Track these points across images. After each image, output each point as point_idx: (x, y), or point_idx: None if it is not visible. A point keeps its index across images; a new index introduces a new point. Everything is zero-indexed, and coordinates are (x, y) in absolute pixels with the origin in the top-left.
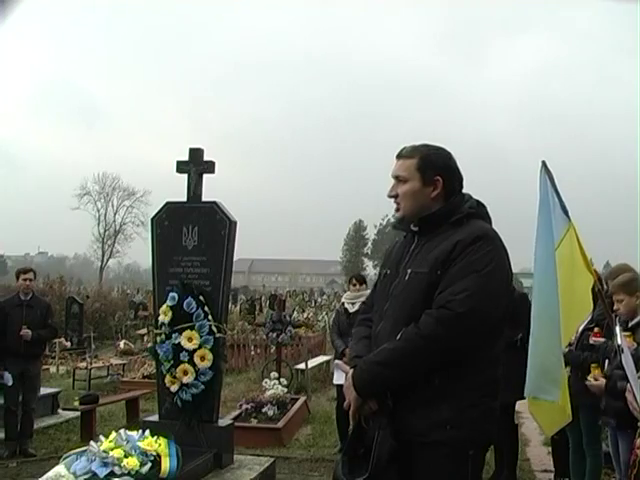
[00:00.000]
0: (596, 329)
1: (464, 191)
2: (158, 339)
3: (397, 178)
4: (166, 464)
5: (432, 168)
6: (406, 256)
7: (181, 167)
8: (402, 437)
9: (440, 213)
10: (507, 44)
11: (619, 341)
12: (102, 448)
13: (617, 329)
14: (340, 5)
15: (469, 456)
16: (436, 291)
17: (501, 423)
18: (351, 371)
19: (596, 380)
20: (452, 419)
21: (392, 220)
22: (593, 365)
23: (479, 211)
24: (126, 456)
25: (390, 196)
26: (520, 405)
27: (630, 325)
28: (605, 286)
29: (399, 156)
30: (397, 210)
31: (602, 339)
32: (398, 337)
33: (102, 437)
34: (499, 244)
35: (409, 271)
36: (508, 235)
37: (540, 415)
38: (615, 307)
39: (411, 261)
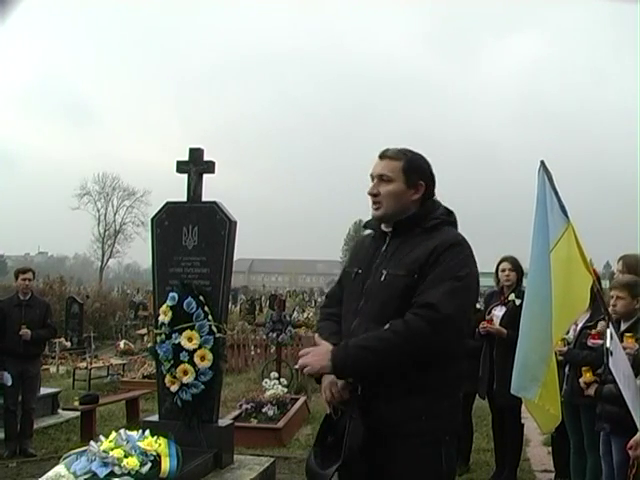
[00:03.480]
0: (594, 331)
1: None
2: (158, 339)
3: (381, 177)
4: (166, 464)
5: (417, 172)
6: (377, 256)
7: (181, 167)
8: (376, 429)
9: (415, 217)
10: (499, 42)
11: (608, 344)
12: (102, 448)
13: (608, 331)
14: (330, 1)
15: (444, 442)
16: (412, 292)
17: (507, 423)
18: (330, 347)
19: (587, 384)
20: (426, 410)
21: (371, 217)
22: (584, 369)
23: (449, 218)
24: (126, 456)
25: (371, 194)
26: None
27: (627, 326)
28: (615, 267)
29: (384, 156)
30: (377, 209)
31: (601, 341)
32: (387, 327)
33: (102, 437)
34: (470, 252)
35: (384, 272)
36: (507, 233)
37: (536, 413)
38: (612, 302)
39: (385, 262)
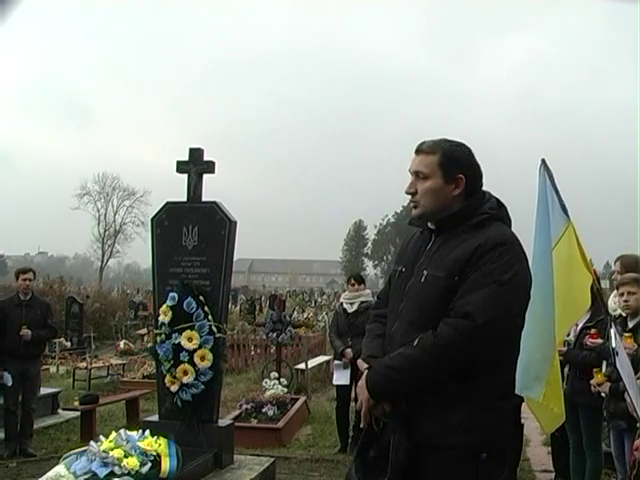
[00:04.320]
0: (593, 330)
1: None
2: (158, 339)
3: (417, 174)
4: (166, 464)
5: (455, 166)
6: (422, 255)
7: (181, 167)
8: (414, 440)
9: (459, 213)
10: (497, 42)
11: (614, 344)
12: (102, 448)
13: (612, 331)
14: (329, 2)
15: (481, 459)
16: (452, 296)
17: None
18: (365, 371)
19: (599, 384)
20: (465, 423)
21: (411, 216)
22: (595, 370)
23: (499, 213)
24: (126, 456)
25: (408, 193)
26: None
27: (631, 326)
28: (613, 267)
29: (419, 151)
30: (415, 207)
31: (599, 340)
32: (415, 343)
33: (102, 437)
34: (519, 250)
35: (425, 272)
36: None
37: (539, 412)
38: (624, 298)
39: (427, 261)
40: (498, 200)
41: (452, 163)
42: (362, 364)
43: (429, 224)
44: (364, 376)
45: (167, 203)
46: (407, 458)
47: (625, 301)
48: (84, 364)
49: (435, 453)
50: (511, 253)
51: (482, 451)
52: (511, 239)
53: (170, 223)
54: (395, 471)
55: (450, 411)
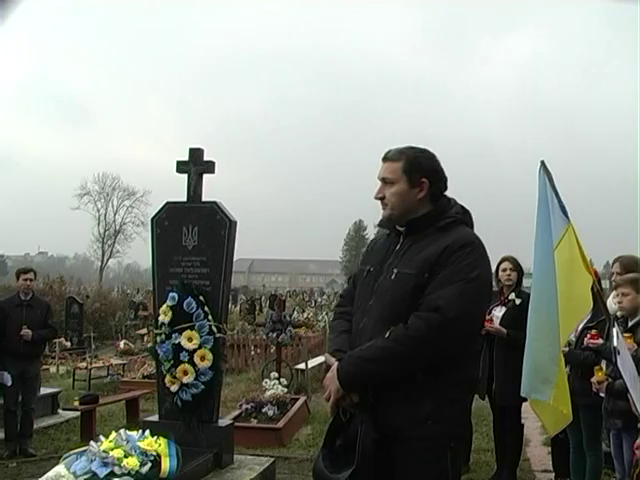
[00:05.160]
0: (593, 331)
1: (450, 194)
2: (158, 339)
3: (384, 180)
4: (166, 464)
5: (418, 170)
6: (390, 255)
7: (181, 167)
8: (383, 431)
9: (428, 217)
10: (495, 42)
11: (615, 343)
12: (102, 448)
13: (614, 331)
14: (329, 1)
15: (449, 448)
16: (422, 293)
17: (507, 423)
18: (336, 363)
19: (600, 382)
20: (433, 414)
21: (380, 218)
22: (596, 368)
23: (464, 217)
24: (126, 456)
25: (377, 198)
26: (523, 405)
27: (630, 325)
28: (612, 269)
29: (385, 159)
30: (384, 209)
31: (600, 340)
32: (387, 335)
33: (102, 437)
34: (483, 252)
35: (395, 271)
36: (504, 232)
37: (543, 414)
38: (619, 299)
39: (397, 261)
40: (463, 206)
41: (415, 168)
42: (330, 358)
43: (397, 227)
44: (334, 367)
45: (167, 203)
46: (375, 447)
47: (619, 302)
48: (84, 364)
49: (405, 444)
50: (476, 254)
51: (450, 440)
52: (477, 241)
53: (170, 223)
54: (363, 459)
55: (417, 402)
